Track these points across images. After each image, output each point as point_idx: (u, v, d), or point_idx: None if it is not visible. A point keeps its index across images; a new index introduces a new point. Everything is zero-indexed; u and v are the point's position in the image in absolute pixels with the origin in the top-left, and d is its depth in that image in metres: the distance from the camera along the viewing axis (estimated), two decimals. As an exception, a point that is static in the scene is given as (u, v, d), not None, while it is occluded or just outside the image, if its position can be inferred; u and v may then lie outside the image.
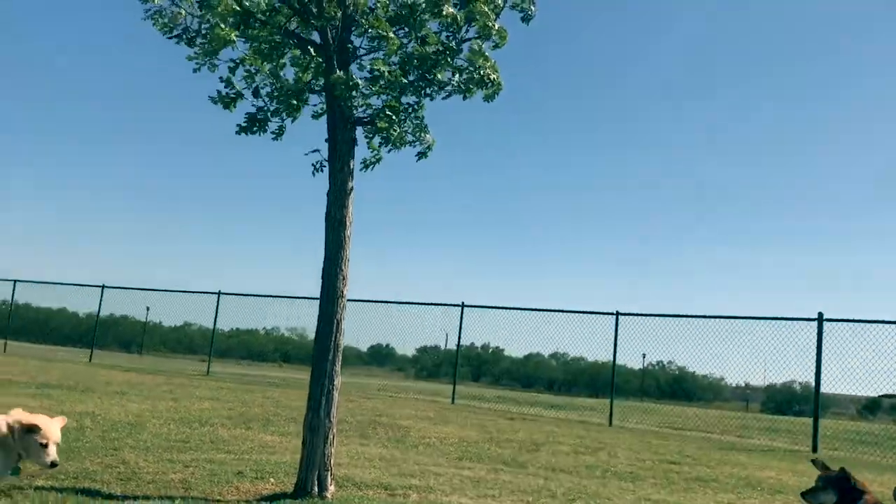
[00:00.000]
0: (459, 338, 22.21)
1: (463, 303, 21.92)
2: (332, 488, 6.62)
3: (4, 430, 4.25)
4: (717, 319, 19.28)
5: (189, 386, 17.85)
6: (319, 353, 6.75)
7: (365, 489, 7.16)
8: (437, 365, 49.71)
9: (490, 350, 61.53)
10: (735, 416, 24.53)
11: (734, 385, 55.87)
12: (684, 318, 19.96)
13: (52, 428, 4.31)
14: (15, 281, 29.93)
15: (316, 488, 6.50)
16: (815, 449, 15.41)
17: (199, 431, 9.94)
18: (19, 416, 4.30)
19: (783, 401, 49.06)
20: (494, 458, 10.26)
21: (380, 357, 68.42)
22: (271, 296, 26.25)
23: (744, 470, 11.08)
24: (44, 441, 4.25)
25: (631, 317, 19.96)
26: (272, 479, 7.19)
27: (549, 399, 29.71)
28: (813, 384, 16.48)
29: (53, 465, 4.33)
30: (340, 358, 6.83)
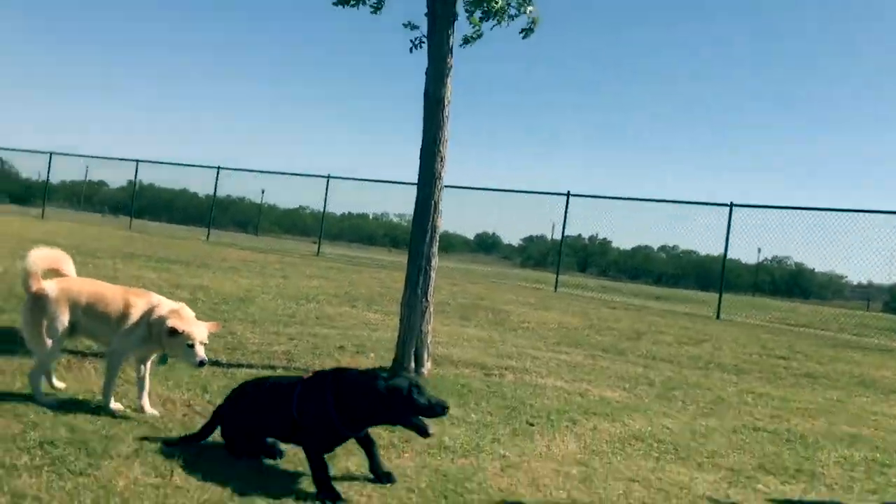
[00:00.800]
0: (564, 227, 22.00)
1: (569, 192, 21.54)
2: (428, 365, 6.73)
3: (155, 315, 4.39)
4: (840, 213, 18.30)
5: (299, 265, 18.47)
6: (416, 235, 6.74)
7: (461, 367, 7.26)
8: (542, 254, 49.67)
9: (597, 241, 60.81)
10: (853, 314, 23.51)
11: (855, 283, 53.47)
12: (804, 211, 19.04)
13: (196, 329, 4.33)
14: (137, 161, 31.37)
15: (412, 364, 6.62)
16: (938, 351, 14.63)
17: (306, 307, 10.28)
18: (176, 318, 4.33)
19: (908, 301, 46.58)
20: (594, 344, 10.21)
21: (486, 245, 68.83)
22: (378, 180, 26.63)
23: (857, 368, 10.63)
24: (190, 342, 4.31)
25: (746, 209, 19.18)
26: (372, 354, 7.39)
27: (655, 291, 29.29)
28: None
29: (202, 363, 4.32)
30: (437, 239, 6.80)
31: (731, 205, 18.79)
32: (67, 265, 4.74)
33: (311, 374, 3.91)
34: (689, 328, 13.76)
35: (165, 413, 4.53)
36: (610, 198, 21.87)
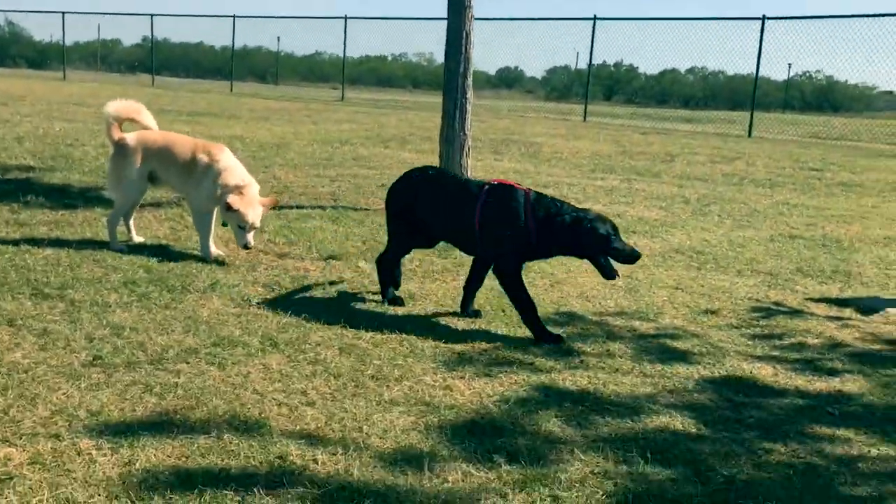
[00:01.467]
0: (591, 54, 21.46)
1: (595, 16, 20.87)
2: (469, 197, 6.89)
3: (222, 180, 4.48)
4: (875, 19, 17.66)
5: (326, 111, 18.44)
6: (450, 67, 6.71)
7: (500, 198, 7.43)
8: (566, 86, 48.75)
9: (623, 68, 59.32)
10: (887, 123, 23.11)
11: (885, 91, 52.14)
12: (837, 20, 18.43)
13: (250, 215, 4.43)
14: (152, 15, 30.73)
15: (454, 197, 6.79)
16: (974, 155, 14.54)
17: (341, 150, 10.41)
18: (237, 195, 4.40)
19: (944, 108, 45.42)
20: (627, 169, 10.30)
21: (508, 79, 67.34)
22: (398, 18, 25.94)
23: (892, 175, 10.68)
24: (242, 224, 4.45)
25: (778, 21, 18.54)
26: (412, 191, 7.56)
27: (685, 114, 28.87)
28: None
29: (245, 247, 4.52)
30: (471, 71, 6.78)
31: (764, 18, 18.16)
32: (143, 115, 4.87)
33: (495, 183, 3.74)
34: (721, 147, 13.75)
35: (230, 252, 4.79)
36: (637, 19, 21.57)
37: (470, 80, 6.75)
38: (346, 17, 25.60)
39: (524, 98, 51.91)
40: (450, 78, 6.70)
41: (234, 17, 28.34)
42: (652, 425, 2.75)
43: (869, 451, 2.66)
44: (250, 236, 4.52)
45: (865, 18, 17.78)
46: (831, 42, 18.79)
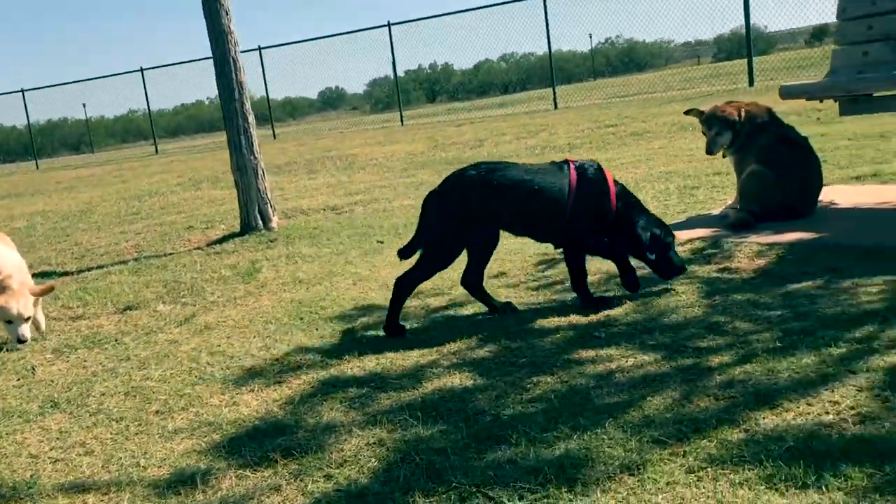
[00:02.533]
0: (394, 59, 21.81)
1: (389, 21, 21.24)
2: (275, 219, 6.87)
3: None
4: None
5: (139, 168, 17.83)
6: (224, 95, 6.67)
7: (312, 214, 7.47)
8: (389, 95, 49.35)
9: (438, 68, 60.71)
10: (680, 72, 24.84)
11: (683, 43, 56.08)
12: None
13: (14, 306, 4.01)
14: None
15: (260, 222, 6.76)
16: (751, 83, 15.83)
17: (149, 202, 10.11)
18: None
19: (733, 49, 49.31)
20: (439, 161, 10.56)
21: (332, 100, 67.38)
22: (193, 60, 25.38)
23: (678, 117, 11.45)
24: (9, 319, 4.08)
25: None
26: (222, 226, 7.46)
27: (498, 99, 29.87)
28: (760, 25, 16.58)
29: (20, 341, 4.05)
30: (248, 96, 6.77)
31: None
32: None
33: (586, 170, 3.54)
34: (527, 124, 14.33)
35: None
36: (429, 17, 21.87)
37: (248, 105, 6.74)
38: (142, 70, 24.85)
39: (350, 115, 52.06)
40: (226, 106, 6.66)
41: (22, 91, 26.87)
42: (431, 388, 2.86)
43: (626, 363, 2.87)
44: (24, 329, 4.08)
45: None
46: (625, 5, 19.82)
